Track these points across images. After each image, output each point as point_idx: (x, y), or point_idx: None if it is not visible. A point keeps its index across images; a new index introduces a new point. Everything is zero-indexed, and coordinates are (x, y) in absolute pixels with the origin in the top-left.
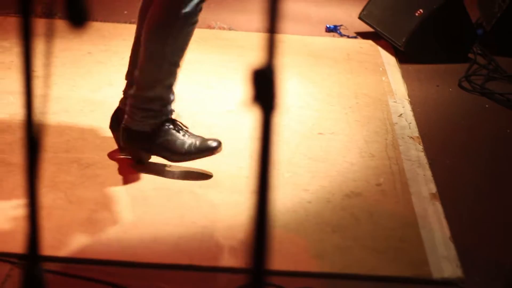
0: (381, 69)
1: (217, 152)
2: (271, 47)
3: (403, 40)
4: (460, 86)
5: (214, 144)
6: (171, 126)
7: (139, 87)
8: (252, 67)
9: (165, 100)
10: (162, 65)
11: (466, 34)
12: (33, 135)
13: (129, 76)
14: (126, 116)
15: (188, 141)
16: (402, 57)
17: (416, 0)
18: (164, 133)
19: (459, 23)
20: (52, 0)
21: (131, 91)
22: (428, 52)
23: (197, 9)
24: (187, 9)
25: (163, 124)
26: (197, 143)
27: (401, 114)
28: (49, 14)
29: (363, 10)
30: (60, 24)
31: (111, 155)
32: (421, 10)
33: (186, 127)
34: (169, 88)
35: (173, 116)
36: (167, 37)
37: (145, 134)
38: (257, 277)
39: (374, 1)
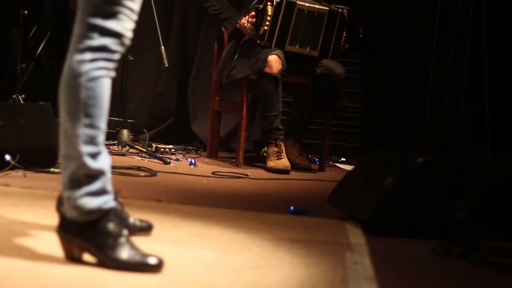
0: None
1: (157, 271)
2: None
3: (369, 213)
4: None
5: (153, 261)
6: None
7: None
8: None
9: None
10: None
11: (441, 208)
12: None
13: None
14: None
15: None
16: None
17: (386, 171)
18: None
19: (433, 195)
20: None
21: None
22: (398, 226)
23: None
24: None
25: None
26: (137, 256)
27: None
28: None
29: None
30: None
31: None
32: (390, 178)
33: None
34: None
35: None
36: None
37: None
38: None
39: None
